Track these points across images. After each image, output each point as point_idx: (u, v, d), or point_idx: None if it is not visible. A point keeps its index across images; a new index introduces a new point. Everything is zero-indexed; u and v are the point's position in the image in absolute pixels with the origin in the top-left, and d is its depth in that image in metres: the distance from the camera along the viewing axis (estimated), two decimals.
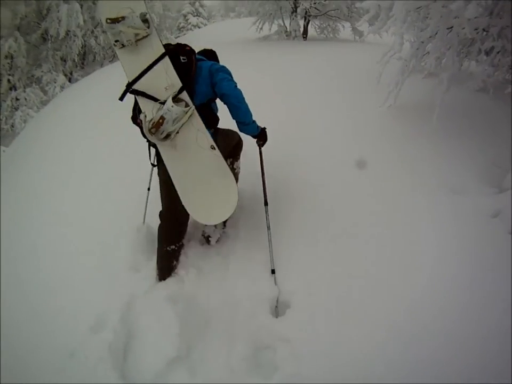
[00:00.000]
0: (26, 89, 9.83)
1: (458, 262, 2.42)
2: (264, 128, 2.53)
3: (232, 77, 2.31)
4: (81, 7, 10.30)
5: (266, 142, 2.58)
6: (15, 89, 9.96)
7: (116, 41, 2.20)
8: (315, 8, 8.69)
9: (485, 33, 3.20)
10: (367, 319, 2.22)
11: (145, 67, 2.19)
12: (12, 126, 9.26)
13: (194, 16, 22.35)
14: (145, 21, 2.23)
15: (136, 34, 2.19)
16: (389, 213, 2.82)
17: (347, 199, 2.99)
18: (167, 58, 2.20)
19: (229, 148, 2.51)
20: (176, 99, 2.10)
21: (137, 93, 2.20)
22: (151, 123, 2.04)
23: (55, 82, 10.21)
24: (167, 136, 2.09)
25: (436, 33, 3.09)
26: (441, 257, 2.47)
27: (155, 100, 2.14)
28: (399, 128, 3.55)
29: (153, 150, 2.42)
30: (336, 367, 2.06)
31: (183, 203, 2.24)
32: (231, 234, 2.93)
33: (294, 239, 2.74)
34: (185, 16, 22.34)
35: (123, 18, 2.16)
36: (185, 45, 2.34)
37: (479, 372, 1.95)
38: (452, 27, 3.03)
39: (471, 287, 2.28)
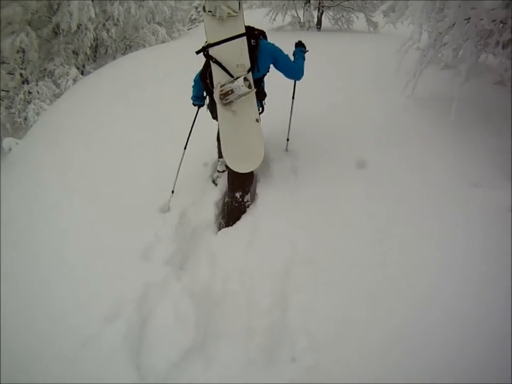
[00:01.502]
0: (38, 83, 9.82)
1: (476, 255, 2.41)
2: (301, 45, 3.09)
3: (285, 53, 2.85)
4: (92, 1, 10.29)
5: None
6: (28, 83, 9.98)
7: (209, 11, 2.60)
8: None
9: (502, 25, 3.12)
10: (381, 312, 2.22)
11: (225, 38, 2.60)
12: (25, 119, 9.30)
13: None
14: (239, 4, 2.63)
15: (229, 13, 2.58)
16: (402, 206, 2.80)
17: (359, 186, 2.98)
18: (245, 39, 2.61)
19: (239, 180, 2.94)
20: (244, 78, 2.61)
21: (214, 60, 2.63)
22: (221, 91, 2.58)
23: (67, 76, 10.21)
24: (229, 103, 2.63)
25: (454, 24, 3.02)
26: (457, 250, 2.46)
27: (227, 71, 2.61)
28: (415, 120, 3.53)
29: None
30: (355, 359, 2.06)
31: (223, 152, 2.83)
32: (249, 221, 2.94)
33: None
34: (196, 8, 22.15)
35: None
36: (254, 29, 2.77)
37: (484, 371, 1.95)
38: (470, 18, 2.96)
39: (481, 287, 2.26)
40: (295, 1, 9.06)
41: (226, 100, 2.60)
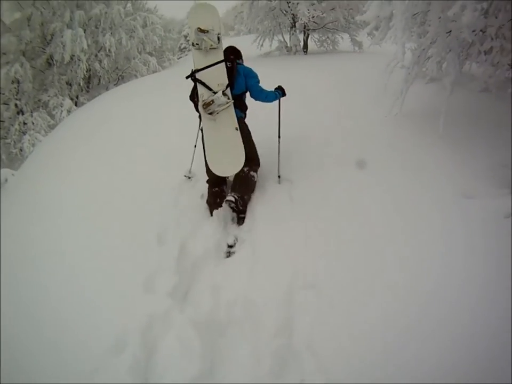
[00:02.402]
0: (33, 114, 9.96)
1: (472, 265, 2.41)
2: (280, 89, 3.48)
3: (258, 78, 3.33)
4: (84, 32, 10.55)
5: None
6: (23, 114, 10.12)
7: (196, 43, 3.25)
8: (313, 22, 8.83)
9: (482, 33, 3.22)
10: (385, 329, 2.21)
11: (208, 64, 3.20)
12: (21, 150, 9.38)
13: None
14: (218, 38, 3.29)
15: (211, 45, 3.21)
16: (399, 219, 2.82)
17: (355, 204, 3.01)
18: (223, 64, 3.21)
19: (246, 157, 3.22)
20: (223, 93, 3.11)
21: (199, 81, 3.19)
22: (204, 101, 3.08)
23: (61, 107, 10.36)
24: (212, 113, 3.10)
25: (436, 39, 3.12)
26: (452, 260, 2.46)
27: (209, 89, 3.15)
28: (406, 136, 3.58)
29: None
30: (362, 376, 2.04)
31: (206, 157, 3.16)
32: (249, 248, 2.95)
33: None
34: (186, 37, 22.72)
35: (208, 31, 3.22)
36: (231, 53, 3.36)
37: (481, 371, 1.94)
38: (451, 31, 3.06)
39: (481, 288, 2.28)
40: (281, 26, 9.33)
41: (208, 110, 3.09)
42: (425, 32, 3.26)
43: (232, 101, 3.14)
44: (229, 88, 3.16)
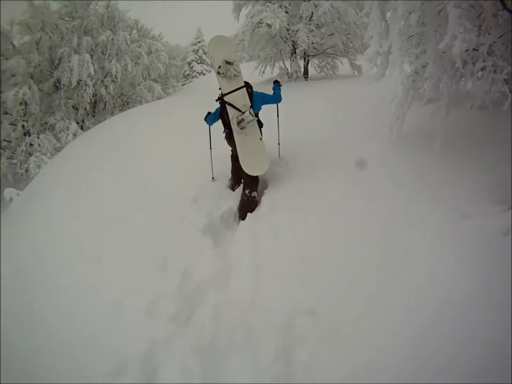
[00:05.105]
0: (40, 136, 10.13)
1: (471, 285, 2.40)
2: (279, 86, 4.25)
3: (267, 94, 4.12)
4: (91, 57, 10.85)
5: None
6: (29, 135, 10.29)
7: (222, 73, 4.01)
8: (313, 47, 9.02)
9: (475, 51, 3.27)
10: (387, 362, 2.19)
11: (232, 89, 3.97)
12: (26, 170, 9.52)
13: (198, 63, 23.30)
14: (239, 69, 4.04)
15: (235, 74, 3.98)
16: (400, 242, 2.84)
17: (354, 226, 3.06)
18: (245, 89, 4.00)
19: (247, 181, 3.94)
20: (249, 112, 3.86)
21: (227, 103, 3.93)
22: (237, 120, 3.83)
23: (67, 130, 10.54)
24: (242, 128, 3.86)
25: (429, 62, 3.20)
26: (454, 280, 2.46)
27: (237, 109, 3.89)
28: (404, 158, 3.64)
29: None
30: None
31: (240, 161, 3.90)
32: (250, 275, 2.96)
33: None
34: (189, 64, 23.25)
35: (232, 64, 4.00)
36: (248, 83, 4.07)
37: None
38: (444, 52, 3.11)
39: (482, 308, 2.27)
40: (281, 52, 9.54)
41: (240, 126, 3.85)
42: (421, 53, 3.34)
43: (256, 118, 3.93)
44: (252, 109, 3.90)
